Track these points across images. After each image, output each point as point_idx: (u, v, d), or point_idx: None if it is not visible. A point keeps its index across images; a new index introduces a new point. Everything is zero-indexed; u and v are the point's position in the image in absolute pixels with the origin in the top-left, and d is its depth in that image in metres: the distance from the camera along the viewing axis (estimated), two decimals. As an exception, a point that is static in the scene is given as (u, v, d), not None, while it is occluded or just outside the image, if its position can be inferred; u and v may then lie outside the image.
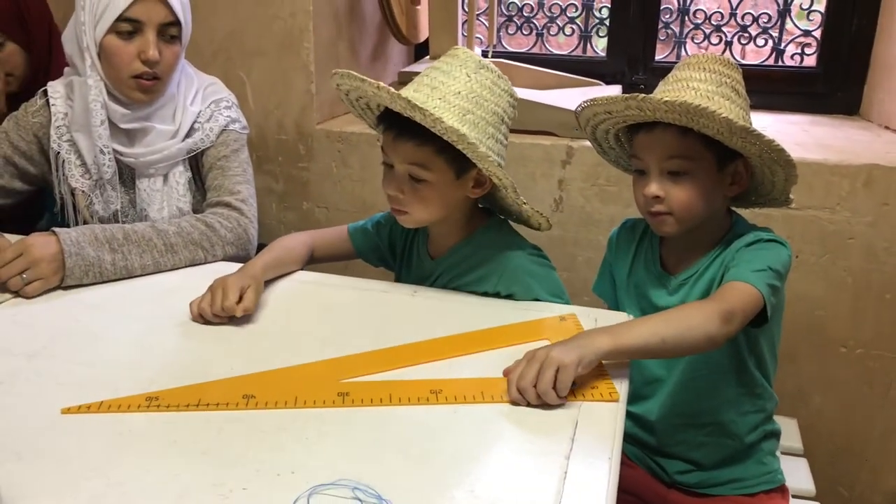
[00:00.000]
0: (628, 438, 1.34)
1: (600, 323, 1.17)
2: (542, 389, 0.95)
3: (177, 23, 1.44)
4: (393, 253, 1.46)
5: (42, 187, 1.61)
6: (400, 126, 1.19)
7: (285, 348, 1.11)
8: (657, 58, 2.24)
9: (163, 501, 0.78)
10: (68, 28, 1.47)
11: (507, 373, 1.01)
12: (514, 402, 0.96)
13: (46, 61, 1.67)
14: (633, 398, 1.28)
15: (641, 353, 1.06)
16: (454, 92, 1.17)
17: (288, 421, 0.93)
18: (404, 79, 1.95)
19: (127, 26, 1.40)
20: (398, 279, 1.45)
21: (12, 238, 1.32)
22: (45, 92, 1.53)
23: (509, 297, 1.28)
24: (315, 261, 1.43)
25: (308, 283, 1.35)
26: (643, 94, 1.13)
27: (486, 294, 1.28)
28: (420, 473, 0.83)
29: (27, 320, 1.18)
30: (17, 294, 1.25)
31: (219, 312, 1.16)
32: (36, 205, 1.76)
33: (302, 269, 1.38)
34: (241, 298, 1.17)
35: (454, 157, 1.19)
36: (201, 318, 1.17)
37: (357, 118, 1.35)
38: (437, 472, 0.84)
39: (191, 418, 0.94)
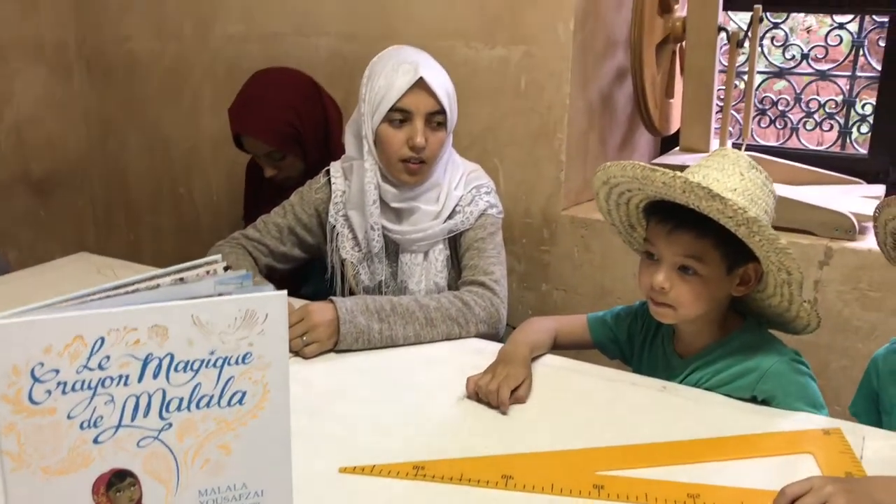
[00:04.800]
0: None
1: (869, 442, 1.10)
2: None
3: (442, 112, 1.56)
4: (631, 347, 1.47)
5: (314, 256, 1.78)
6: (677, 218, 1.21)
7: (539, 431, 1.15)
8: (926, 157, 2.10)
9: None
10: (351, 120, 1.64)
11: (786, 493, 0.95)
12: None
13: (321, 160, 1.87)
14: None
15: None
16: (730, 188, 1.18)
17: (547, 507, 0.96)
18: (655, 170, 1.97)
19: (398, 115, 1.54)
20: (636, 373, 1.45)
21: (295, 302, 1.47)
22: (328, 172, 1.71)
23: (765, 402, 1.23)
24: (555, 347, 1.46)
25: (558, 368, 1.38)
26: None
27: (740, 398, 1.25)
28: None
29: (306, 380, 1.31)
30: (296, 354, 1.39)
31: (493, 401, 1.21)
32: (304, 270, 1.95)
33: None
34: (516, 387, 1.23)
35: (728, 252, 1.19)
36: (475, 394, 1.23)
37: (597, 209, 1.39)
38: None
39: (452, 491, 1.00)
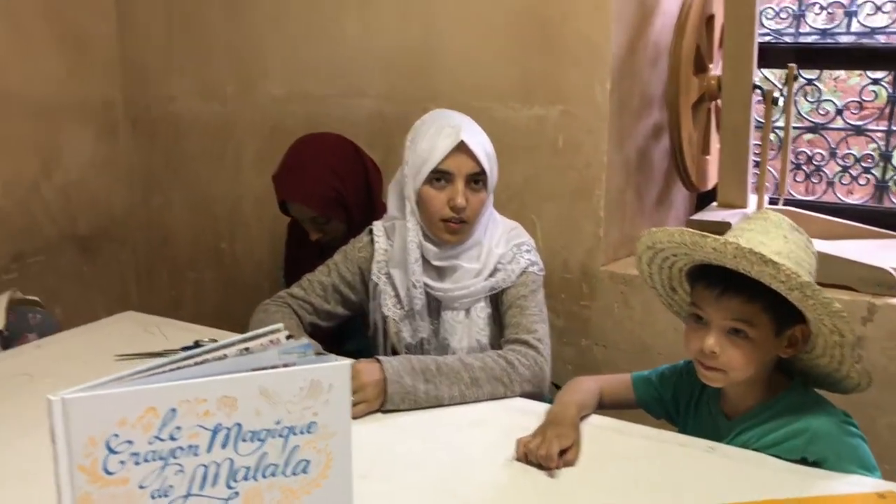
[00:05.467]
0: None
1: (926, 507, 1.09)
2: None
3: (483, 173, 1.59)
4: (677, 407, 1.46)
5: (357, 313, 1.80)
6: (725, 281, 1.22)
7: (586, 493, 1.15)
8: (967, 210, 2.10)
9: None
10: (394, 180, 1.68)
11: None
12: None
13: (363, 220, 1.90)
14: None
15: None
16: (775, 252, 1.19)
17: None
18: (694, 227, 1.98)
19: (440, 177, 1.58)
20: (682, 433, 1.44)
21: (342, 362, 1.49)
22: (370, 231, 1.74)
23: (816, 464, 1.23)
24: (599, 406, 1.46)
25: (604, 429, 1.38)
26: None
27: (790, 459, 1.24)
28: None
29: (356, 441, 1.32)
30: (344, 414, 1.41)
31: (543, 462, 1.22)
32: (346, 327, 1.97)
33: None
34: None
35: (778, 314, 1.20)
36: (525, 456, 1.24)
37: (636, 267, 1.40)
38: None
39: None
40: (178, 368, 0.82)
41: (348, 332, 1.98)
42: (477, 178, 1.59)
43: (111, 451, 0.76)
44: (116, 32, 2.71)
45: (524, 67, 2.06)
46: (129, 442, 0.76)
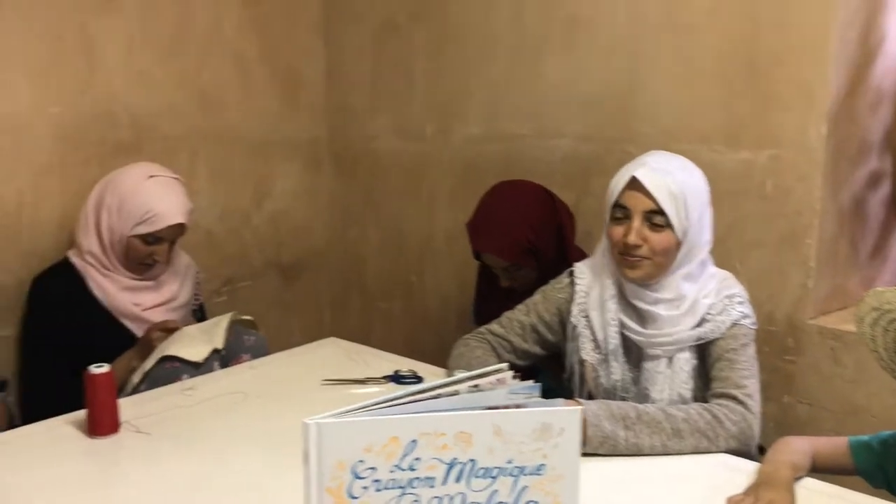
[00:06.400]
0: None
1: None
2: None
3: (661, 212, 1.55)
4: (904, 477, 1.35)
5: (553, 354, 1.80)
6: None
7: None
8: None
9: None
10: None
11: None
12: None
13: (555, 266, 1.90)
14: None
15: None
16: None
17: None
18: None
19: (618, 212, 1.58)
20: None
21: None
22: (571, 272, 1.74)
23: None
24: (811, 469, 1.38)
25: (819, 493, 1.31)
26: None
27: None
28: None
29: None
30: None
31: None
32: (535, 367, 1.97)
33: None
34: None
35: None
36: None
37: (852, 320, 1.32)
38: None
39: None
40: (415, 401, 0.85)
41: (537, 371, 1.99)
42: (655, 217, 1.55)
43: (356, 476, 0.79)
44: (325, 74, 2.89)
45: (730, 110, 2.00)
46: (373, 468, 0.80)
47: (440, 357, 1.94)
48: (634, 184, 1.55)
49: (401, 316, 2.87)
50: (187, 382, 1.79)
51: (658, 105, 2.13)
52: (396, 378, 1.78)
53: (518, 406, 0.85)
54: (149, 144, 2.40)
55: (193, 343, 1.89)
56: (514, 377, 0.92)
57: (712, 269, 1.66)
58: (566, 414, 0.83)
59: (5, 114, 2.12)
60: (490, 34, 2.43)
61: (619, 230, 1.58)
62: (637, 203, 1.56)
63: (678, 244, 1.57)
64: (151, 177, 2.08)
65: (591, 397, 1.66)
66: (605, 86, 2.22)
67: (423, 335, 2.73)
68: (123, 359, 1.95)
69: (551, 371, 1.83)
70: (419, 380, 1.78)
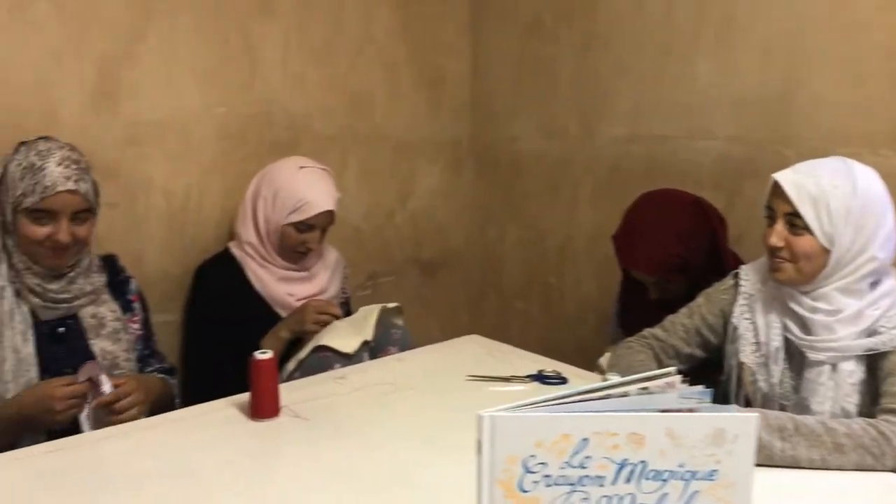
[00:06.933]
0: None
1: None
2: None
3: (799, 215, 1.52)
4: None
5: (713, 357, 1.76)
6: None
7: None
8: None
9: None
10: None
11: None
12: None
13: (707, 276, 1.85)
14: None
15: None
16: None
17: None
18: None
19: (768, 214, 1.58)
20: None
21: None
22: (737, 274, 1.72)
23: None
24: None
25: None
26: None
27: None
28: None
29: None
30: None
31: None
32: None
33: None
34: None
35: None
36: None
37: None
38: None
39: None
40: (584, 401, 0.86)
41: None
42: (793, 220, 1.53)
43: (527, 470, 0.81)
44: (470, 74, 2.93)
45: (899, 111, 1.90)
46: (544, 464, 0.81)
47: (578, 359, 1.94)
48: (778, 186, 1.55)
49: (537, 316, 2.88)
50: (339, 371, 1.86)
51: (818, 106, 2.04)
52: (540, 378, 1.79)
53: (690, 410, 0.84)
54: (303, 144, 2.50)
55: (345, 335, 1.96)
56: (683, 381, 0.92)
57: (888, 287, 1.56)
58: (742, 420, 0.82)
59: (176, 114, 2.26)
60: (639, 33, 2.40)
61: (767, 232, 1.58)
62: (779, 205, 1.56)
63: (824, 250, 1.52)
64: (302, 168, 2.19)
65: (748, 404, 1.62)
66: (759, 86, 2.14)
67: (561, 336, 2.72)
68: (275, 329, 2.07)
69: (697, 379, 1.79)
70: (563, 380, 1.79)
